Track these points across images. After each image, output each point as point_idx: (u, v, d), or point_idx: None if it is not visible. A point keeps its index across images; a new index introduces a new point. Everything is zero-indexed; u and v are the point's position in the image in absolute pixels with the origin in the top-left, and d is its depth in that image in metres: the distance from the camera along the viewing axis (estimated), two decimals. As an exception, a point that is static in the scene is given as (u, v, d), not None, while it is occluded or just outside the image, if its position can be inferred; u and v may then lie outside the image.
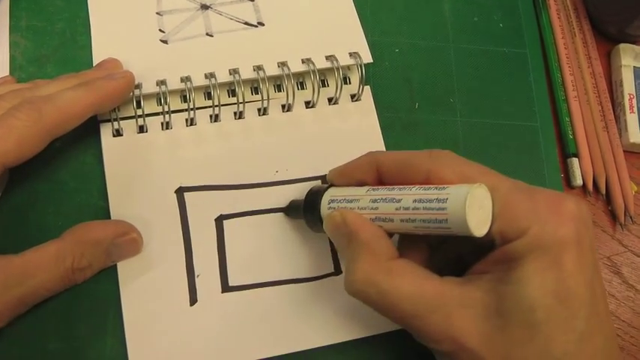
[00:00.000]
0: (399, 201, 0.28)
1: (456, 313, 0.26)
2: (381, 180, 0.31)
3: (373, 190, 0.30)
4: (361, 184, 0.31)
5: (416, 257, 0.30)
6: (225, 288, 0.34)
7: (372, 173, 0.31)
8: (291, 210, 0.35)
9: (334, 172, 0.33)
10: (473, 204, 0.25)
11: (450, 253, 0.31)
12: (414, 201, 0.27)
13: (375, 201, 0.29)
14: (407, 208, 0.27)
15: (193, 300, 0.33)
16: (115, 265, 0.33)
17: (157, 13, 0.39)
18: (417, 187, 0.28)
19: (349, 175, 0.32)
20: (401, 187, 0.28)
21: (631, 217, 0.42)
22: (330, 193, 0.32)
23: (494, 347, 0.26)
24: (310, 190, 0.33)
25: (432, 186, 0.27)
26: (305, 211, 0.33)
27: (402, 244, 0.31)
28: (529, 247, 0.25)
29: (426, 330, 0.27)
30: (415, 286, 0.27)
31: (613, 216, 0.42)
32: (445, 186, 0.26)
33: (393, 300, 0.27)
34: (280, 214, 0.36)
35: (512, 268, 0.26)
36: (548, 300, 0.25)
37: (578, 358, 0.25)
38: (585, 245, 0.26)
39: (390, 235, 0.29)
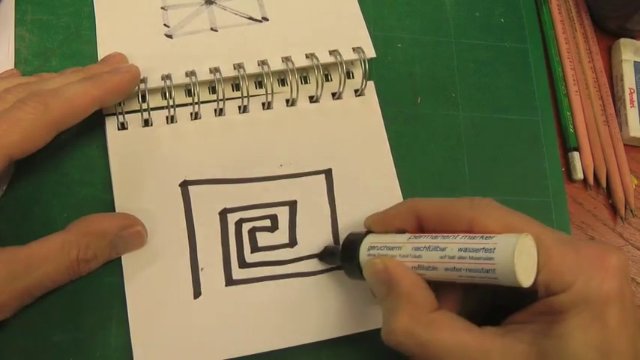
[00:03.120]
0: (443, 249, 0.27)
1: None
2: (420, 228, 0.30)
3: (415, 237, 0.29)
4: (400, 231, 0.31)
5: (450, 301, 0.30)
6: (229, 281, 0.34)
7: (411, 221, 0.30)
8: (325, 256, 0.35)
9: (372, 218, 0.32)
10: (521, 254, 0.25)
11: (484, 296, 0.31)
12: (460, 250, 0.27)
13: (417, 249, 0.28)
14: (452, 257, 0.27)
15: (197, 293, 0.33)
16: (120, 258, 0.33)
17: (162, 8, 0.39)
18: (462, 235, 0.27)
19: (388, 223, 0.31)
20: (445, 235, 0.28)
21: (631, 211, 0.42)
22: (370, 240, 0.31)
23: None
24: (348, 236, 0.33)
25: (477, 235, 0.27)
26: (343, 259, 0.33)
27: (436, 287, 0.30)
28: (574, 301, 0.25)
29: None
30: (457, 339, 0.27)
31: (614, 209, 0.43)
32: (492, 235, 0.26)
33: (435, 352, 0.27)
34: (284, 208, 0.36)
35: (555, 321, 0.25)
36: (591, 356, 0.25)
37: None
38: (627, 300, 0.26)
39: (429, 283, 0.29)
